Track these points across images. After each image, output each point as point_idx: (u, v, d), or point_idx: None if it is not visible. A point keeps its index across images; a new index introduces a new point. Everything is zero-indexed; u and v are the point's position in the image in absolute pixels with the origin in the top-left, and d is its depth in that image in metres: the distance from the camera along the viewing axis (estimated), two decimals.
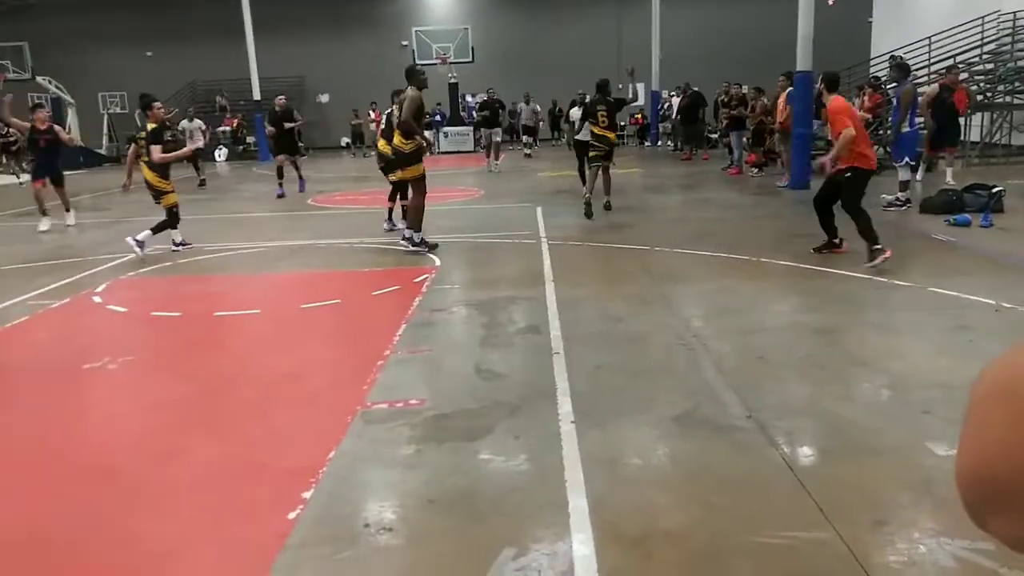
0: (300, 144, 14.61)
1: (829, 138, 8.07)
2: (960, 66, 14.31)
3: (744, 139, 14.99)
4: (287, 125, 14.06)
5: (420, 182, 8.11)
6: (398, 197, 9.26)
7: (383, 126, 9.50)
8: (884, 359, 4.39)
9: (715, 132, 20.29)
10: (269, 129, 14.34)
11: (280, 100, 14.45)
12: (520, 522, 2.78)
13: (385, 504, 2.92)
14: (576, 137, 11.68)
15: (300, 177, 14.31)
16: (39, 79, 25.53)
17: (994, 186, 9.02)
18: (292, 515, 2.81)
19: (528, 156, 21.59)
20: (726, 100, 15.75)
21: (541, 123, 23.55)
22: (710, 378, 4.10)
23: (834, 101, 6.77)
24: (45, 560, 2.63)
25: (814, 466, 3.14)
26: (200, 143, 15.60)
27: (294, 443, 3.55)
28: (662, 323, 5.15)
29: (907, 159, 9.72)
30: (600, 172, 10.16)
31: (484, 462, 3.29)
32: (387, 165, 9.14)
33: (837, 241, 7.18)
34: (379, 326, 5.41)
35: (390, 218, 9.55)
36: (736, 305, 5.64)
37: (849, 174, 6.67)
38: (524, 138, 22.86)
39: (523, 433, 3.51)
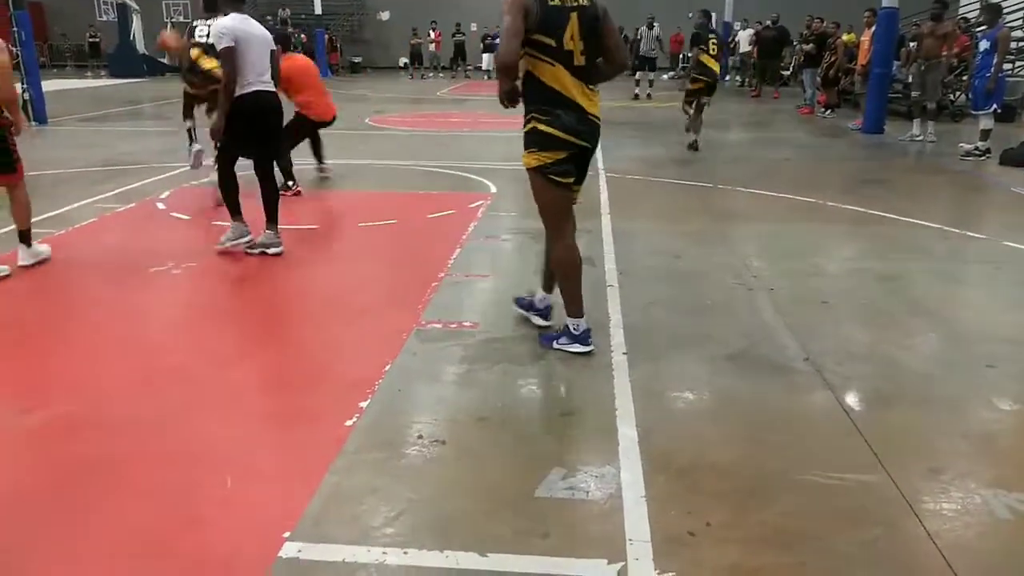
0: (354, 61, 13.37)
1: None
2: None
3: (817, 78, 14.35)
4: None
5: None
6: None
7: None
8: (949, 309, 4.26)
9: (788, 69, 19.48)
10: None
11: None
12: (569, 445, 2.82)
13: (438, 418, 2.99)
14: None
15: None
16: None
17: None
18: (349, 422, 2.90)
19: (640, 97, 16.99)
20: (807, 35, 15.02)
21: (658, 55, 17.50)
22: (768, 319, 4.04)
23: None
24: (114, 446, 2.77)
25: (869, 411, 3.09)
26: None
27: (352, 355, 3.64)
28: (721, 262, 5.06)
29: (995, 106, 9.20)
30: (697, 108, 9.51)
31: (535, 386, 3.33)
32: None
33: None
34: (434, 248, 5.44)
35: None
36: (799, 248, 5.50)
37: None
38: (639, 74, 17.05)
39: (574, 362, 3.52)
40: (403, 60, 27.27)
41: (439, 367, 3.46)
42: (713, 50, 9.20)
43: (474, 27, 27.12)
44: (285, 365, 3.56)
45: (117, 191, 7.15)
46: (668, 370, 3.44)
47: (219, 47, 4.88)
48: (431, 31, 26.11)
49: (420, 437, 2.83)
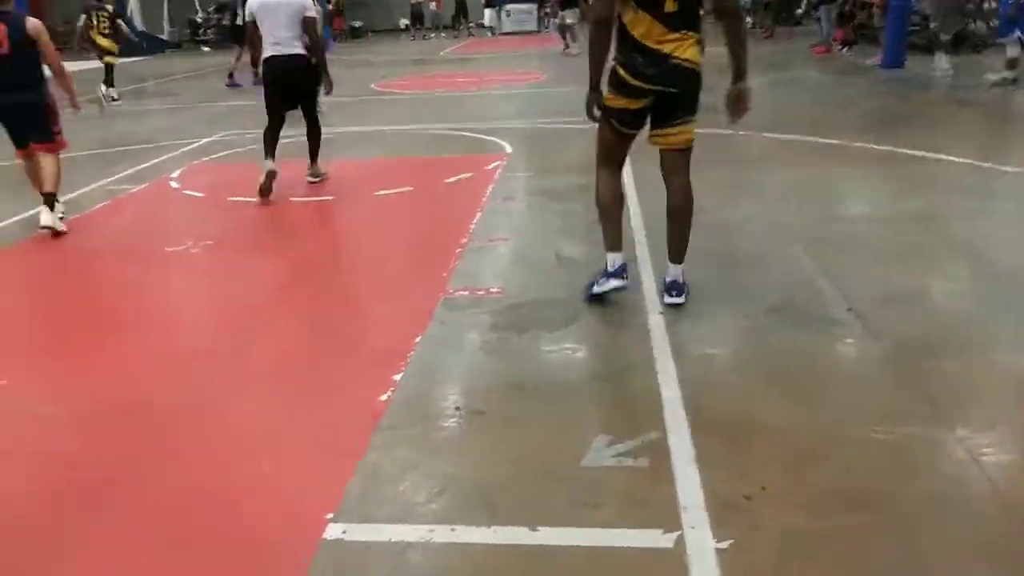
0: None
1: None
2: None
3: (832, 14, 13.91)
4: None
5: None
6: None
7: None
8: (993, 249, 4.11)
9: (800, 7, 18.91)
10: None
11: None
12: (612, 410, 2.75)
13: (474, 388, 2.91)
14: None
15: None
16: None
17: None
18: (384, 397, 2.83)
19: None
20: None
21: None
22: (805, 268, 3.91)
23: None
24: (144, 432, 2.72)
25: (919, 361, 2.97)
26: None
27: (381, 327, 3.56)
28: (749, 212, 4.92)
29: (1019, 33, 8.85)
30: None
31: (570, 351, 3.23)
32: None
33: None
34: (454, 214, 5.33)
35: None
36: (828, 192, 5.34)
37: None
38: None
39: (609, 323, 3.43)
40: (404, 21, 26.75)
41: (470, 335, 3.38)
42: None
43: None
44: (314, 340, 3.49)
45: (129, 172, 7.06)
46: (707, 327, 3.34)
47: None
48: None
49: (457, 409, 2.76)
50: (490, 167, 6.52)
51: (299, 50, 5.69)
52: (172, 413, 2.85)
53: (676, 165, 3.46)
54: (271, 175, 5.68)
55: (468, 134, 8.10)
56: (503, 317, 3.55)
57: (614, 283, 3.52)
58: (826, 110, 8.72)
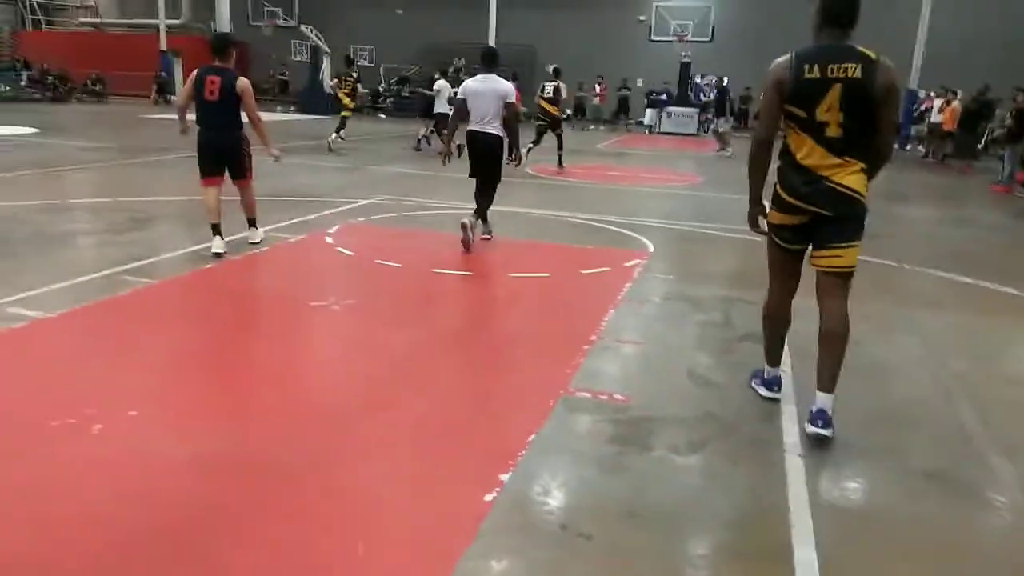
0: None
1: None
2: None
3: (1017, 153, 13.00)
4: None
5: None
6: None
7: None
8: None
9: (981, 142, 17.89)
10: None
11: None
12: (735, 562, 2.46)
13: (584, 507, 2.72)
14: None
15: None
16: (303, 27, 28.07)
17: None
18: (489, 497, 2.70)
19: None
20: (1012, 109, 13.75)
21: None
22: (973, 433, 3.46)
23: None
24: (246, 489, 2.72)
25: None
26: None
27: (497, 417, 3.46)
28: (910, 355, 4.48)
29: None
30: None
31: (695, 483, 2.97)
32: None
33: None
34: (587, 307, 5.22)
35: None
36: (1005, 348, 4.80)
37: None
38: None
39: (742, 457, 3.15)
40: (567, 111, 27.63)
41: (587, 445, 3.20)
42: (547, 94, 13.49)
43: (640, 83, 27.09)
44: (430, 417, 3.42)
45: (290, 222, 7.51)
46: (854, 481, 2.99)
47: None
48: (596, 85, 26.37)
49: (564, 528, 2.57)
50: (630, 264, 6.41)
51: (496, 130, 6.68)
52: (276, 474, 2.84)
53: (831, 288, 3.35)
54: (464, 227, 6.60)
55: (613, 228, 8.05)
56: (624, 429, 3.35)
57: (765, 392, 3.69)
58: (1004, 255, 8.00)
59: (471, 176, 6.88)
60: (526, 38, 28.19)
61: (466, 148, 6.94)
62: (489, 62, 6.93)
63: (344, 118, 14.91)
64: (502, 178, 6.96)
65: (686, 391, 3.86)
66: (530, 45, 28.31)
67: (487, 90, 6.61)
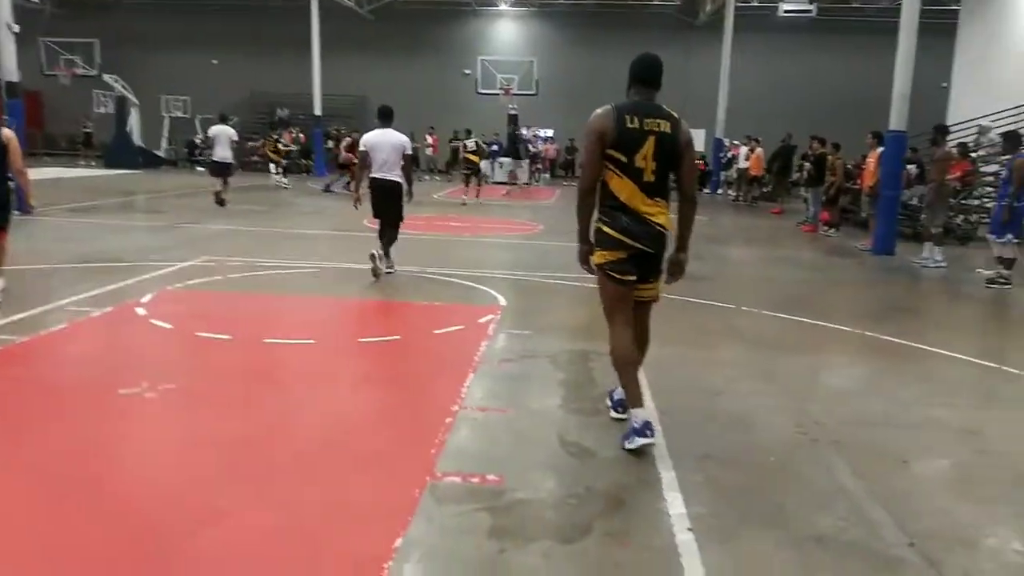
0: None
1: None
2: None
3: (819, 195, 14.31)
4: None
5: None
6: None
7: None
8: None
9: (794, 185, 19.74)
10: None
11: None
12: None
13: None
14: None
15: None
16: (106, 77, 25.91)
17: None
18: None
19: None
20: (808, 155, 15.25)
21: None
22: (848, 485, 3.41)
23: None
24: None
25: None
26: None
27: (354, 518, 2.96)
28: (771, 403, 4.48)
29: (1010, 236, 8.94)
30: None
31: None
32: None
33: None
34: (444, 372, 4.85)
35: None
36: (852, 387, 4.96)
37: None
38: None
39: (631, 537, 2.88)
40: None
41: (464, 543, 2.80)
42: (469, 146, 17.19)
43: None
44: (273, 531, 2.86)
45: (94, 292, 6.53)
46: (750, 556, 2.79)
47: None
48: (427, 136, 26.41)
49: None
50: (483, 320, 6.12)
51: (397, 176, 7.61)
52: None
53: (644, 315, 3.97)
54: (372, 257, 7.51)
55: (460, 281, 7.76)
56: (502, 518, 2.99)
57: (642, 440, 3.59)
58: (827, 292, 8.59)
59: (375, 216, 7.76)
60: (355, 88, 27.74)
61: (369, 193, 7.68)
62: (385, 117, 7.71)
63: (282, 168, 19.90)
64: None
65: (560, 462, 3.57)
66: (363, 95, 27.81)
67: (385, 143, 7.53)
